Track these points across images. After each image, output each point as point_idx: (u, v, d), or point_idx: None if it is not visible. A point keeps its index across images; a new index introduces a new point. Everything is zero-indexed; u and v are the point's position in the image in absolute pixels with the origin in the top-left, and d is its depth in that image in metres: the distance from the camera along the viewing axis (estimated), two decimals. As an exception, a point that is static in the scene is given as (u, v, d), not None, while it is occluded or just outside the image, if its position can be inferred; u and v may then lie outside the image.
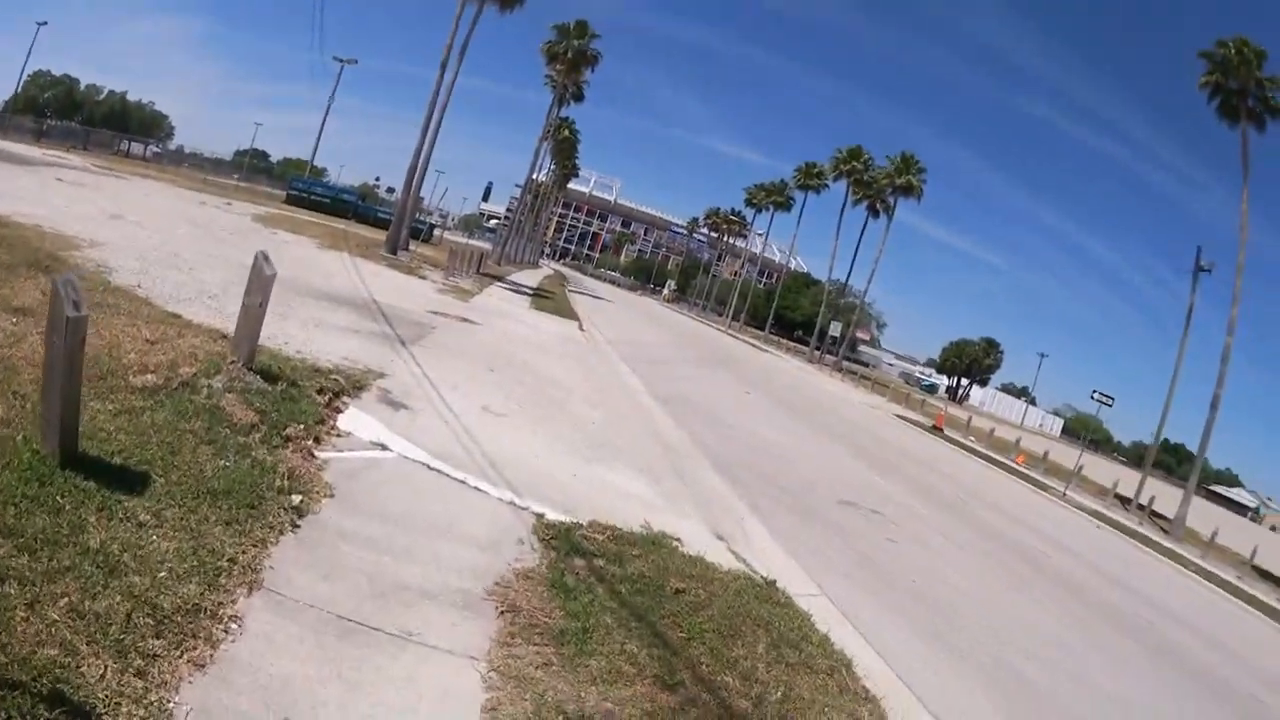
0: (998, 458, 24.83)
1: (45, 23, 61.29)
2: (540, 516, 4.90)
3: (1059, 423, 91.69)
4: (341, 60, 53.37)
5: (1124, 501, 25.39)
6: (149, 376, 4.65)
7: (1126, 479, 28.41)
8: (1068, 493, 21.03)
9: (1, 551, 2.62)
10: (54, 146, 39.20)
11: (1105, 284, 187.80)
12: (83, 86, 79.43)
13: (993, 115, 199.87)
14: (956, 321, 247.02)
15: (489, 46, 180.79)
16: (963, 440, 26.69)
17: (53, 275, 4.10)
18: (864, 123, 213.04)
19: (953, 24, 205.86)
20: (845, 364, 52.49)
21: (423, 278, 19.70)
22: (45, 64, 76.12)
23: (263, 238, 17.71)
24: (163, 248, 11.07)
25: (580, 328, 19.63)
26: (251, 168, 56.47)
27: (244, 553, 3.26)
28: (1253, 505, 64.83)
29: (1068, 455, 28.96)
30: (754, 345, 49.74)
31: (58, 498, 3.05)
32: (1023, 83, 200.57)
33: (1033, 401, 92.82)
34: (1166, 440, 62.30)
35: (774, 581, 4.93)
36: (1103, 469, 33.60)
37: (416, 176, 25.48)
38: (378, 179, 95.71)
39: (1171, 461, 75.28)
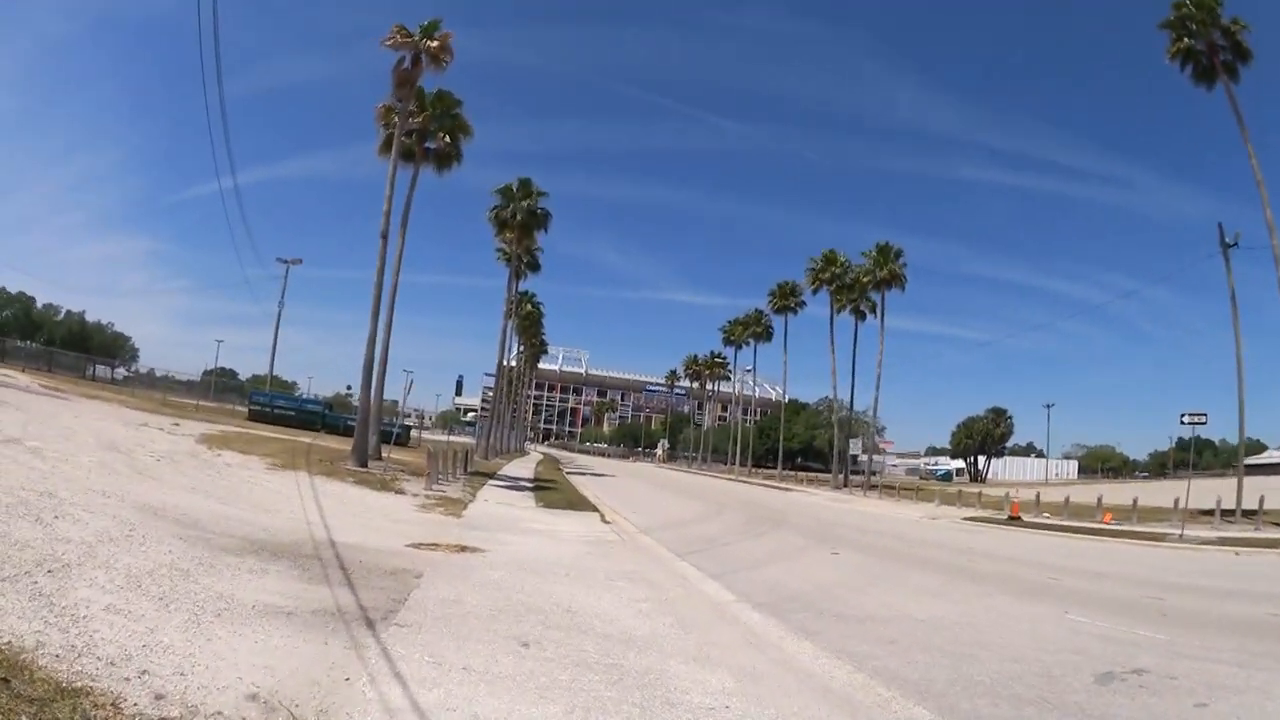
0: (1093, 526, 23.13)
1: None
2: None
3: (1074, 465, 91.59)
4: (286, 261, 50.34)
5: (1226, 515, 23.57)
6: None
7: (1196, 495, 24.68)
8: (1183, 534, 19.69)
9: None
10: (11, 367, 36.68)
11: (1071, 313, 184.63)
12: (40, 305, 77.78)
13: (938, 190, 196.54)
14: (947, 401, 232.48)
15: (438, 235, 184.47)
16: (1046, 521, 24.94)
17: None
18: (822, 238, 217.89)
19: (870, 112, 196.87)
20: (873, 480, 48.06)
21: (399, 492, 16.04)
22: (-2, 279, 73.78)
23: (199, 463, 14.45)
24: (39, 484, 8.07)
25: (603, 519, 16.00)
26: (220, 386, 53.06)
27: None
28: None
29: (1118, 494, 29.20)
30: (775, 487, 45.39)
31: None
32: (952, 146, 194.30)
33: (1041, 454, 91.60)
34: (1182, 438, 57.14)
35: None
36: (1156, 491, 31.14)
37: (376, 369, 21.68)
38: (349, 387, 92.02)
39: (1193, 457, 68.90)
